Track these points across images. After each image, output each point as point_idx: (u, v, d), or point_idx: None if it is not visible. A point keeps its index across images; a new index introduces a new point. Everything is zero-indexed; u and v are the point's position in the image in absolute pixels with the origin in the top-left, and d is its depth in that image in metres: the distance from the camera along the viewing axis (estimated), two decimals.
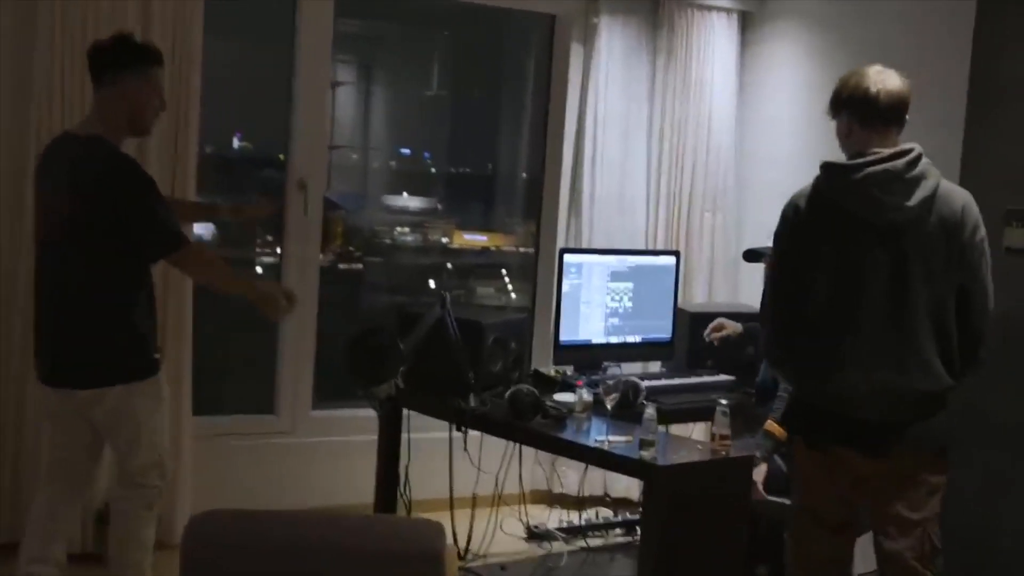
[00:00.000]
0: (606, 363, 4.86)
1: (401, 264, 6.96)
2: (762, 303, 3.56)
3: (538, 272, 6.12)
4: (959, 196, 3.35)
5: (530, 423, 4.03)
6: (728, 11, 6.05)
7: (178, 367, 4.77)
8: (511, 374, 4.46)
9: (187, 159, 4.78)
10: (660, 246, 5.95)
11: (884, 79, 3.36)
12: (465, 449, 4.29)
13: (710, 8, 6.00)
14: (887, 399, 3.30)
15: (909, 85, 3.39)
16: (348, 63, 7.20)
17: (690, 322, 5.06)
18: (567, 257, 4.81)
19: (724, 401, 3.79)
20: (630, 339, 4.99)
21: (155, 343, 3.83)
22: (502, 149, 7.13)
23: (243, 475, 5.11)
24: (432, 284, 6.79)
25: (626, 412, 4.17)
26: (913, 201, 3.26)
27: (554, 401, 4.14)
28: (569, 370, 4.76)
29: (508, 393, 4.08)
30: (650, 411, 3.70)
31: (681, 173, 6.00)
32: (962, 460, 3.74)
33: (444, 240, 7.00)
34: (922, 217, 3.27)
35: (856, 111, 3.36)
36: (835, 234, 3.33)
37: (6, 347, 4.58)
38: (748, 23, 6.17)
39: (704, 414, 4.67)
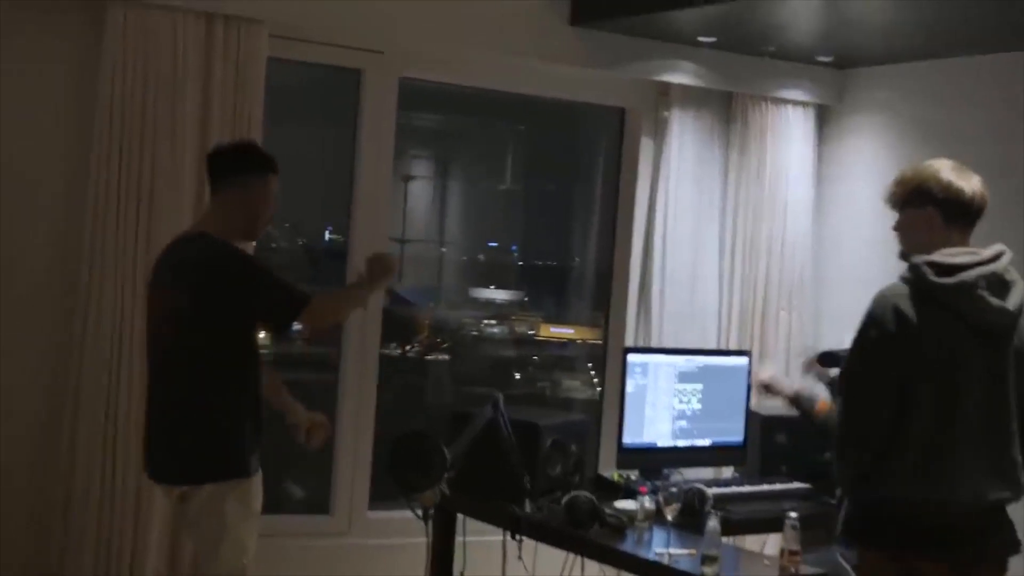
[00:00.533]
0: (666, 469, 4.56)
1: (487, 356, 6.81)
2: (845, 422, 3.16)
3: (607, 368, 5.84)
4: None
5: (588, 532, 3.74)
6: (804, 104, 5.81)
7: None
8: (571, 478, 4.17)
9: None
10: (733, 346, 5.65)
11: (972, 178, 3.20)
12: (519, 557, 3.98)
13: (785, 102, 5.76)
14: (988, 510, 3.12)
15: None
16: (424, 158, 7.14)
17: (762, 425, 4.73)
18: (631, 357, 4.53)
19: (794, 514, 3.47)
20: (699, 442, 4.68)
21: (254, 444, 3.65)
22: (576, 242, 6.95)
23: None
24: (517, 376, 6.66)
25: (692, 521, 3.87)
26: (1012, 304, 3.09)
27: (614, 509, 3.85)
28: (634, 474, 4.47)
29: (565, 500, 3.81)
30: (713, 523, 3.39)
31: (756, 271, 5.74)
32: None
33: (530, 332, 6.87)
34: (1019, 321, 3.11)
35: (947, 209, 3.16)
36: (941, 338, 3.07)
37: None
38: (826, 116, 5.92)
39: (776, 525, 4.32)
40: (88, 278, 4.43)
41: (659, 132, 5.66)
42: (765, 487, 4.46)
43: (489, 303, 6.98)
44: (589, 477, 4.37)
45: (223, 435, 3.60)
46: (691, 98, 5.64)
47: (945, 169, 3.20)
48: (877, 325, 3.08)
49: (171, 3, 4.47)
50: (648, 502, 3.81)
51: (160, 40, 4.46)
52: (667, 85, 5.58)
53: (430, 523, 3.68)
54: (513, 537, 3.94)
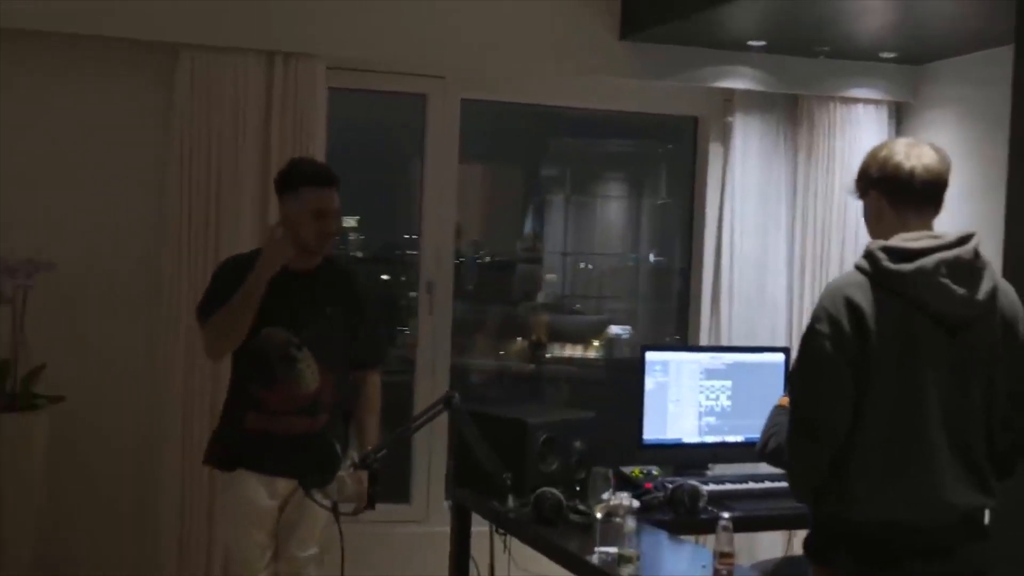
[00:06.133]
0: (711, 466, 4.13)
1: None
2: (796, 427, 2.53)
3: None
4: (1012, 290, 2.57)
5: (556, 529, 3.33)
6: (877, 103, 5.11)
7: None
8: (575, 474, 3.76)
9: None
10: None
11: (921, 155, 2.56)
12: (505, 550, 3.61)
13: (856, 100, 5.08)
14: (961, 521, 2.50)
15: (948, 161, 2.58)
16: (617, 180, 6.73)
17: None
18: (649, 355, 4.08)
19: (726, 515, 2.95)
20: (729, 439, 4.15)
21: (240, 440, 3.47)
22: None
23: (375, 564, 4.61)
24: None
25: (692, 520, 3.50)
26: (981, 294, 2.48)
27: (585, 505, 3.41)
28: (655, 470, 4.00)
29: (533, 496, 3.41)
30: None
31: (828, 266, 5.07)
32: None
33: None
34: (989, 313, 2.49)
35: (886, 189, 2.55)
36: (899, 331, 2.46)
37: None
38: (903, 114, 5.18)
39: (780, 522, 3.82)
40: (166, 311, 4.36)
41: (726, 139, 5.12)
42: (767, 484, 3.91)
43: None
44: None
45: (220, 424, 3.59)
46: (755, 102, 5.07)
47: (889, 147, 2.60)
48: (828, 319, 2.46)
49: (233, 45, 4.37)
50: (616, 498, 3.35)
51: (223, 80, 4.37)
52: (731, 91, 5.04)
53: (450, 514, 3.74)
54: (497, 531, 3.58)
